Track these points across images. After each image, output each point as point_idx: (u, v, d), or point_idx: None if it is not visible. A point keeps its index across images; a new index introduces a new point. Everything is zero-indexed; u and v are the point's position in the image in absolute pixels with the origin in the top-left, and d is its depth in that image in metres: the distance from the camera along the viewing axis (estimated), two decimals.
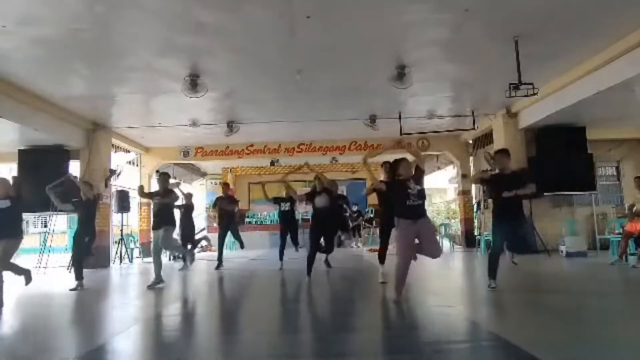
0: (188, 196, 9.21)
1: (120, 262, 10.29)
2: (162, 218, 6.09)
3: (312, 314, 4.35)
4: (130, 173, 12.31)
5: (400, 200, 4.20)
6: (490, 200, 11.46)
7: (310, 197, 6.42)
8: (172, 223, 6.27)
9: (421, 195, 4.22)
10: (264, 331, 3.57)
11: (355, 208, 14.78)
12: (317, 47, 6.18)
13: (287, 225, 8.21)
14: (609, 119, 9.17)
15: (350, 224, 14.22)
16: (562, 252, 8.47)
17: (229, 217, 8.45)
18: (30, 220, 16.55)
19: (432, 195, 21.45)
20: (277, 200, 8.33)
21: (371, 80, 7.56)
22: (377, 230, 14.14)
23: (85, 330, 3.94)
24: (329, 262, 7.61)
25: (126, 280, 7.80)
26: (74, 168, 9.58)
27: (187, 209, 9.16)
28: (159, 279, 5.86)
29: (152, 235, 6.47)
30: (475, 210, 11.82)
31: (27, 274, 5.18)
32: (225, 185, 9.04)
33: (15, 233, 4.92)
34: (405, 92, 7.86)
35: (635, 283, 4.45)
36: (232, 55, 6.35)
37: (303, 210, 10.29)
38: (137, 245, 12.01)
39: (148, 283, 5.90)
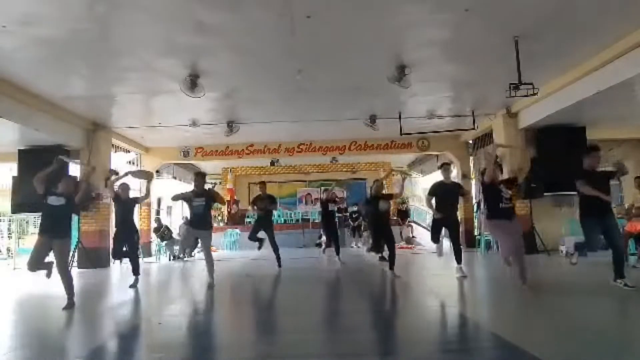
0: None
1: (121, 262, 10.27)
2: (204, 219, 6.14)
3: (310, 314, 4.35)
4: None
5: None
6: None
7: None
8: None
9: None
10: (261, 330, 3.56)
11: (355, 208, 14.79)
12: (317, 47, 6.18)
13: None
14: (609, 118, 9.17)
15: (352, 224, 14.23)
16: (562, 252, 8.47)
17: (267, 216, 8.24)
18: (30, 220, 16.54)
19: None
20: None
21: (371, 80, 7.55)
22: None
23: (85, 330, 3.94)
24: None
25: (125, 280, 7.80)
26: (75, 168, 9.59)
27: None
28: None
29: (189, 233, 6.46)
30: (475, 210, 11.82)
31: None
32: (262, 184, 8.54)
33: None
34: (406, 92, 7.87)
35: (636, 283, 4.46)
36: (232, 55, 6.35)
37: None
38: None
39: (162, 282, 5.91)
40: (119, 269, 9.17)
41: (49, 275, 4.82)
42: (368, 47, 6.21)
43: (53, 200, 4.62)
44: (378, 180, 7.48)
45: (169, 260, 11.33)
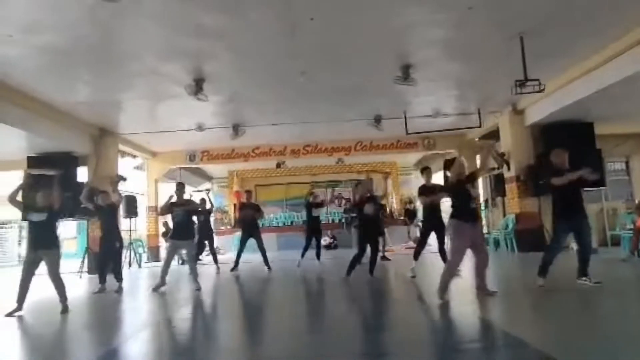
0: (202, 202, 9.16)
1: (129, 267, 10.35)
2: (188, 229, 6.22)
3: (330, 315, 4.34)
4: (137, 178, 12.39)
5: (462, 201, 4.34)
6: (498, 199, 11.43)
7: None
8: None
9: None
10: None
11: None
12: (320, 49, 6.19)
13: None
14: (617, 113, 9.05)
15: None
16: (572, 248, 8.37)
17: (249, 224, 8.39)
18: None
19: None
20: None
21: (375, 81, 7.54)
22: (385, 231, 14.17)
23: (98, 333, 3.97)
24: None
25: (136, 284, 7.84)
26: (82, 174, 9.67)
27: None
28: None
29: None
30: (483, 208, 11.74)
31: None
32: (248, 193, 9.10)
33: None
34: (410, 92, 7.84)
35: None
36: (236, 58, 6.38)
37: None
38: (146, 250, 12.08)
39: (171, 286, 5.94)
40: (129, 274, 9.22)
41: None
42: (371, 47, 6.21)
43: (34, 217, 4.72)
44: (362, 181, 7.20)
45: (178, 264, 11.36)
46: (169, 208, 6.24)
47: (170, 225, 12.04)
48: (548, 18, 5.52)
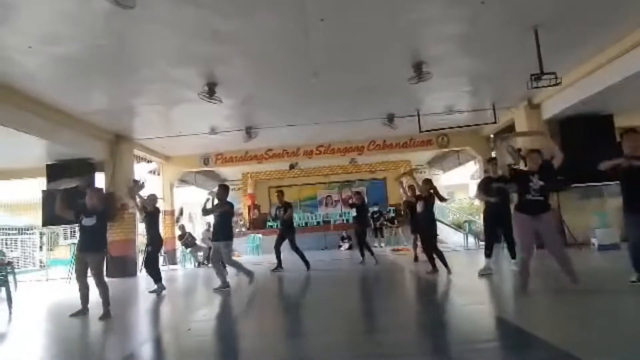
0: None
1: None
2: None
3: (341, 315, 4.32)
4: (152, 182, 12.55)
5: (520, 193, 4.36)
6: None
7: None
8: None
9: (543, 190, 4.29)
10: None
11: (376, 208, 14.70)
12: (332, 49, 6.17)
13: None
14: (638, 105, 8.82)
15: (372, 225, 14.15)
16: (594, 244, 8.20)
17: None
18: (60, 232, 17.08)
19: (455, 191, 21.16)
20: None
21: (388, 79, 7.49)
22: (399, 230, 14.09)
23: (117, 337, 4.02)
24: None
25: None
26: (100, 180, 9.85)
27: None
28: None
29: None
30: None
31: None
32: (279, 193, 9.23)
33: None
34: (423, 89, 7.77)
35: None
36: (248, 61, 6.40)
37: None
38: (163, 253, 12.21)
39: (180, 290, 6.00)
40: (145, 278, 9.34)
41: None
42: (383, 46, 6.16)
43: (86, 221, 4.91)
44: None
45: (195, 267, 11.49)
46: (213, 210, 6.39)
47: (187, 229, 12.29)
48: (563, 9, 5.39)
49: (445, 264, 6.26)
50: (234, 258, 6.81)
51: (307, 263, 8.06)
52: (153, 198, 6.84)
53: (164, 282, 6.56)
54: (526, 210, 4.32)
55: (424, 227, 6.63)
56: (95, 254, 4.90)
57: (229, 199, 6.53)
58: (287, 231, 8.39)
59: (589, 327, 3.08)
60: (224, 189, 6.51)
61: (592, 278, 4.69)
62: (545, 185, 4.31)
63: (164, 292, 6.37)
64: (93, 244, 4.89)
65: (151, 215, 6.70)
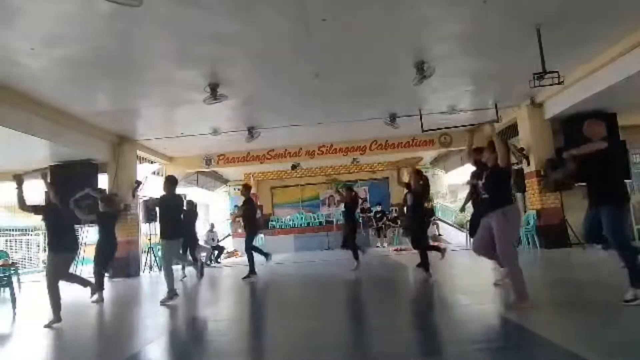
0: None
1: (150, 270, 10.51)
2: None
3: (346, 315, 4.32)
4: (155, 183, 12.57)
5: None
6: (518, 195, 11.19)
7: None
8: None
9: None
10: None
11: (378, 208, 14.70)
12: (334, 49, 6.17)
13: None
14: None
15: (375, 224, 14.16)
16: (597, 244, 8.15)
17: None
18: None
19: (457, 191, 21.13)
20: None
21: (390, 79, 7.48)
22: (401, 230, 14.06)
23: (118, 339, 4.02)
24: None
25: (156, 288, 7.95)
26: (103, 181, 9.88)
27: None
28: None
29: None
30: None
31: (90, 285, 5.55)
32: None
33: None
34: (426, 89, 7.76)
35: None
36: (250, 61, 6.41)
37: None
38: None
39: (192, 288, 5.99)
40: (149, 278, 9.37)
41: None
42: (385, 46, 6.16)
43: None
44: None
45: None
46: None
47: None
48: (566, 7, 5.37)
49: (427, 267, 5.88)
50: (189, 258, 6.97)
51: (252, 270, 7.43)
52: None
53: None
54: (481, 209, 4.28)
55: (413, 225, 6.32)
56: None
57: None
58: (246, 229, 7.84)
59: (593, 327, 3.07)
60: (170, 183, 5.76)
61: (594, 277, 4.67)
62: (485, 183, 4.15)
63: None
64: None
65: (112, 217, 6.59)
